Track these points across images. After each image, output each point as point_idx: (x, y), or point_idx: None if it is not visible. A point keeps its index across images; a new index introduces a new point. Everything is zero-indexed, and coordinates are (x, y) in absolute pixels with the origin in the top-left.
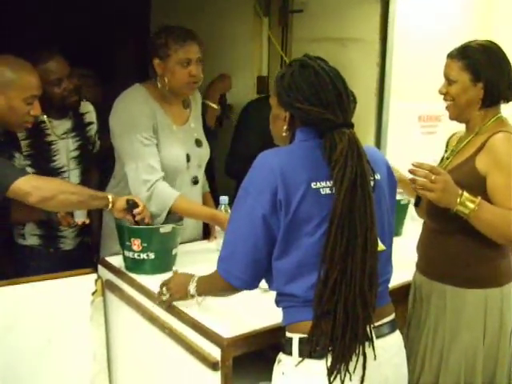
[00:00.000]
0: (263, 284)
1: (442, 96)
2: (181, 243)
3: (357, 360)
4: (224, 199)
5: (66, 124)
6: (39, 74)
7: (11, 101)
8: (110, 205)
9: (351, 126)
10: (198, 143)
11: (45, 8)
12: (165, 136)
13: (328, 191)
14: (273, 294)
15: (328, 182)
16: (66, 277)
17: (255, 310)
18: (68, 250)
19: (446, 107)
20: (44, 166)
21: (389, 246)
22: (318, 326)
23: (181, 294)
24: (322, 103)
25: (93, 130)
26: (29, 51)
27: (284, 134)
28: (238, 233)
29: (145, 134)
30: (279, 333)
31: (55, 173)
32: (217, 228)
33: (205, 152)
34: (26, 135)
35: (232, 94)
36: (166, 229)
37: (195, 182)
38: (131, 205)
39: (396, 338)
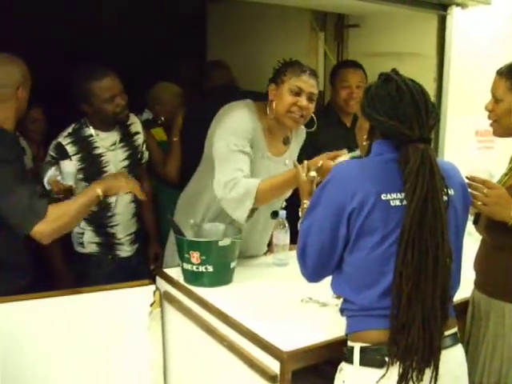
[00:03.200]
0: (321, 298)
1: (487, 113)
2: (240, 257)
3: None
4: (282, 213)
5: (113, 136)
6: (93, 91)
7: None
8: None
9: (427, 141)
10: None
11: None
12: (256, 159)
13: (398, 203)
14: (330, 308)
15: (399, 194)
16: (124, 288)
17: (313, 323)
18: (125, 257)
19: (490, 124)
20: (96, 177)
21: (457, 260)
22: (383, 335)
23: None
24: (399, 117)
25: (140, 139)
26: (85, 66)
27: (364, 143)
28: (308, 234)
29: (243, 143)
30: (338, 347)
31: None
32: (274, 242)
33: (289, 192)
34: (77, 150)
35: None
36: (224, 242)
37: (274, 214)
38: None
39: (458, 350)
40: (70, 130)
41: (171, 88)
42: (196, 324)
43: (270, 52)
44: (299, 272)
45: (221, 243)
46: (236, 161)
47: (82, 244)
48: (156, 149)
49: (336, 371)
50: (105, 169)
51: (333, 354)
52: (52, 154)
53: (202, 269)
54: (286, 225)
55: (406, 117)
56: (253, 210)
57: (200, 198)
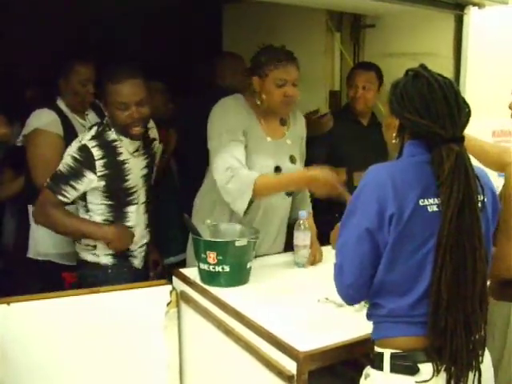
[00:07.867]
0: (338, 299)
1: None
2: (258, 256)
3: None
4: (303, 214)
5: (135, 142)
6: (108, 92)
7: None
8: None
9: (461, 140)
10: (292, 160)
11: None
12: (255, 145)
13: (435, 208)
14: (347, 309)
15: (436, 199)
16: (141, 287)
17: (330, 324)
18: (140, 268)
19: None
20: (118, 185)
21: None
22: (414, 342)
23: None
24: (431, 116)
25: (155, 147)
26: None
27: (393, 141)
28: (345, 248)
29: (235, 132)
30: (355, 348)
31: (127, 193)
32: (294, 243)
33: (299, 169)
34: (102, 154)
35: (305, 108)
36: (241, 242)
37: (288, 193)
38: None
39: (486, 354)
40: (93, 132)
41: (155, 85)
42: (212, 324)
43: None
44: (316, 272)
45: (237, 243)
46: (230, 149)
47: (95, 255)
48: None
49: (352, 372)
50: (127, 177)
51: (349, 354)
52: (76, 156)
53: (218, 269)
54: (307, 225)
55: (438, 115)
56: (250, 203)
57: (209, 197)
